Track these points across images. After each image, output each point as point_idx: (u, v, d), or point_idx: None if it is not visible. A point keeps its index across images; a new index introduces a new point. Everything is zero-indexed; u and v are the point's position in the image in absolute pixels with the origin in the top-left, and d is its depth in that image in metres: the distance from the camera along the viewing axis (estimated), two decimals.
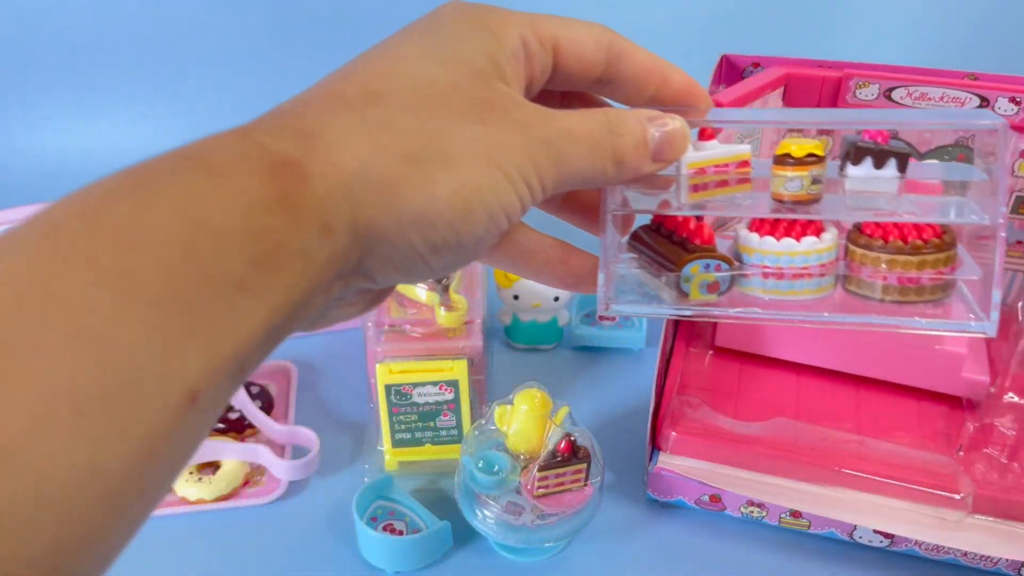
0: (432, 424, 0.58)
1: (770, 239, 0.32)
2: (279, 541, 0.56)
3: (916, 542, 0.50)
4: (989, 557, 0.49)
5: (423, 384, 0.57)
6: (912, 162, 0.31)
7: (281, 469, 0.58)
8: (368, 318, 0.60)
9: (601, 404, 0.66)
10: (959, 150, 0.60)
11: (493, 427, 0.52)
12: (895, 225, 0.31)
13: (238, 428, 0.63)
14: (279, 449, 0.61)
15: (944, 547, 0.49)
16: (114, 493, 0.18)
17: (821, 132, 0.42)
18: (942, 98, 0.57)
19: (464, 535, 0.54)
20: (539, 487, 0.49)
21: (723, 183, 0.31)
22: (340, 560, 0.54)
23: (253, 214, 0.21)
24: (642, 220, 0.34)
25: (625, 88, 0.30)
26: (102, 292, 0.19)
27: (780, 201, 0.32)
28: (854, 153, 0.31)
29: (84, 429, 0.18)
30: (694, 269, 0.32)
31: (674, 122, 0.29)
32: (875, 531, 0.50)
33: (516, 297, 0.69)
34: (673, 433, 0.55)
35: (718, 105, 0.50)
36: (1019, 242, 0.62)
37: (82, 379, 0.18)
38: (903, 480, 0.52)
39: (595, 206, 0.32)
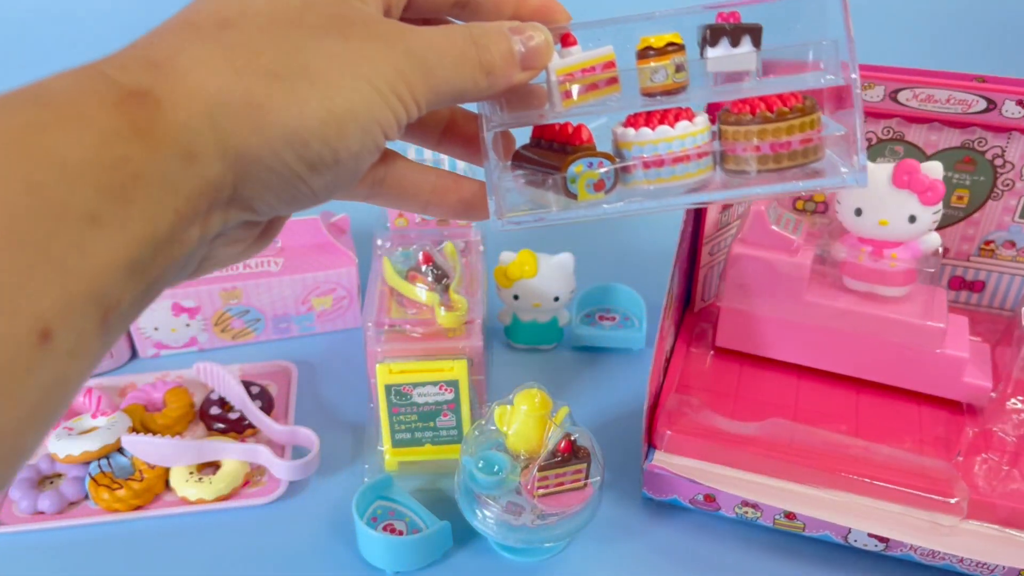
0: (432, 424, 0.58)
1: (646, 130, 0.33)
2: (279, 541, 0.56)
3: (911, 547, 0.49)
4: (986, 564, 0.48)
5: (423, 384, 0.57)
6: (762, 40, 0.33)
7: (281, 469, 0.58)
8: (368, 318, 0.60)
9: (601, 404, 0.66)
10: (965, 152, 0.60)
11: (493, 427, 0.52)
12: (760, 99, 0.33)
13: (238, 428, 0.63)
14: (279, 449, 0.61)
15: (940, 552, 0.49)
16: None
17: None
18: (948, 100, 0.57)
19: (464, 535, 0.54)
20: (539, 487, 0.49)
21: (593, 86, 0.32)
22: (340, 560, 0.54)
23: (105, 145, 0.21)
24: (522, 142, 0.35)
25: (484, 11, 0.31)
26: None
27: (650, 96, 0.33)
28: (710, 35, 0.33)
29: None
30: (578, 168, 0.32)
31: (536, 32, 0.30)
32: (870, 535, 0.50)
33: (516, 297, 0.69)
34: (668, 431, 0.55)
35: None
36: None
37: None
38: (897, 483, 0.52)
39: (475, 137, 0.33)
